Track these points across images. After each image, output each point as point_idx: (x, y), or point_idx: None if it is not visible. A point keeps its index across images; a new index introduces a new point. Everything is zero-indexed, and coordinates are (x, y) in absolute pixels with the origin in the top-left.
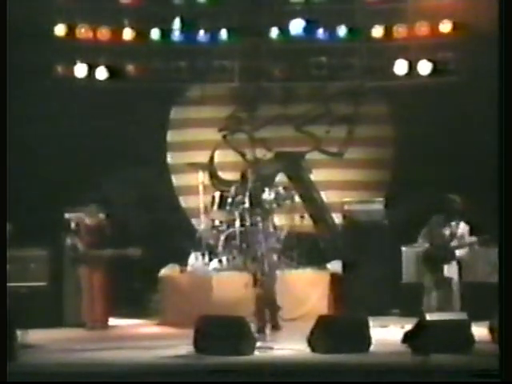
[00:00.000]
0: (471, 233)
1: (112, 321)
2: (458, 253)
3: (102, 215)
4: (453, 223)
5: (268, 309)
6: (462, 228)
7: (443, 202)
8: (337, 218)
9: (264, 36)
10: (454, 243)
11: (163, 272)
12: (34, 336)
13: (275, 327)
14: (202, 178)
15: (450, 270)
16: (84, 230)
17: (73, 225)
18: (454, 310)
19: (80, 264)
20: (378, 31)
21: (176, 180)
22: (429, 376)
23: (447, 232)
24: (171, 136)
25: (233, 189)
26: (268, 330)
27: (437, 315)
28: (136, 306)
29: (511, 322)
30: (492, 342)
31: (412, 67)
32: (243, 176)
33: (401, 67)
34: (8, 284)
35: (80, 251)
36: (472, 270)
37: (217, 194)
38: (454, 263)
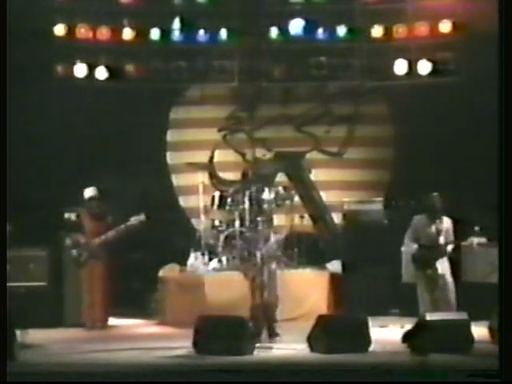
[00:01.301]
0: (471, 231)
1: (112, 321)
2: (448, 249)
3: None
4: (437, 220)
5: (266, 319)
6: (446, 222)
7: (424, 200)
8: (337, 218)
9: (264, 36)
10: (441, 240)
11: (163, 272)
12: (34, 336)
13: (272, 335)
14: (201, 178)
15: (442, 268)
16: (86, 219)
17: (73, 217)
18: (449, 309)
19: (80, 262)
20: (377, 31)
21: (176, 180)
22: (428, 376)
23: (433, 230)
24: (171, 136)
25: (233, 189)
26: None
27: (436, 315)
28: (136, 306)
29: (511, 322)
30: (492, 342)
31: (412, 67)
32: (243, 176)
33: (401, 67)
34: (8, 284)
35: (82, 247)
36: (471, 270)
37: (217, 194)
38: (445, 260)
